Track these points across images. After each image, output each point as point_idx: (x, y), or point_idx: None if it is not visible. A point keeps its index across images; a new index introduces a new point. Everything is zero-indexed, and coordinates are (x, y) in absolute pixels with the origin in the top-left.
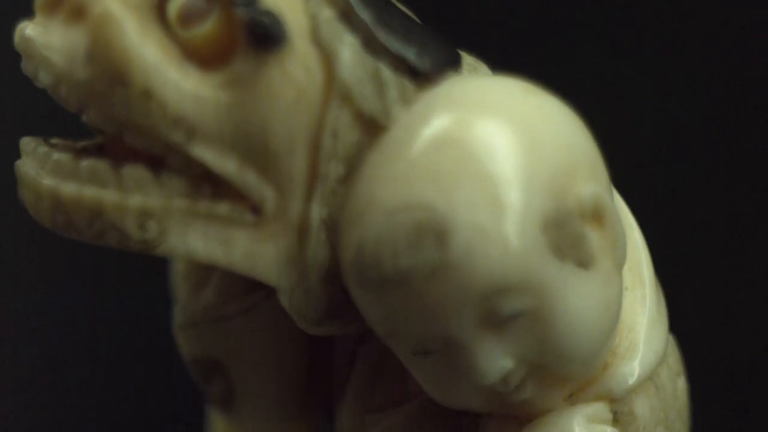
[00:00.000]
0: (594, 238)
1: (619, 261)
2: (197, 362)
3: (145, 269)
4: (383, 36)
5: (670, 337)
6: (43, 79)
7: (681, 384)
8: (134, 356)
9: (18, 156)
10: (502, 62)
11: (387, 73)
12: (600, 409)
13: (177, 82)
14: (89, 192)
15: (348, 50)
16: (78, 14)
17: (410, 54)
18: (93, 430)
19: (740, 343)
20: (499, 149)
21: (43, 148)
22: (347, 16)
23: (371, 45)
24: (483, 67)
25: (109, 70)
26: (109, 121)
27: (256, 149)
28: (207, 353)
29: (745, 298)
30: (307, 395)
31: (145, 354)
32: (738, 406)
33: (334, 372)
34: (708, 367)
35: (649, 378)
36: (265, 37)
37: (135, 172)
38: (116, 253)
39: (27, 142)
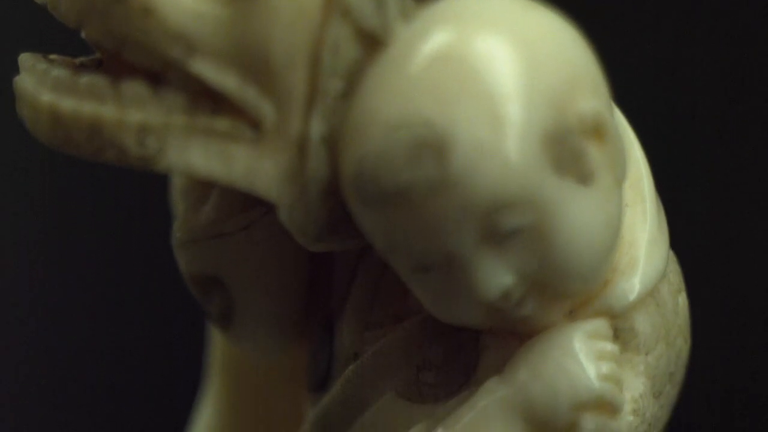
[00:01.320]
0: (594, 154)
1: (620, 177)
2: (196, 279)
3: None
4: None
5: (671, 254)
6: None
7: (682, 300)
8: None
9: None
10: None
11: None
12: (600, 325)
13: None
14: (88, 108)
15: None
16: None
17: None
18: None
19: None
20: (499, 65)
21: (41, 65)
22: None
23: None
24: None
25: None
26: (108, 37)
27: (255, 65)
28: (206, 270)
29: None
30: (307, 312)
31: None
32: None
33: (333, 289)
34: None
35: (650, 294)
36: None
37: (134, 87)
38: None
39: (26, 59)
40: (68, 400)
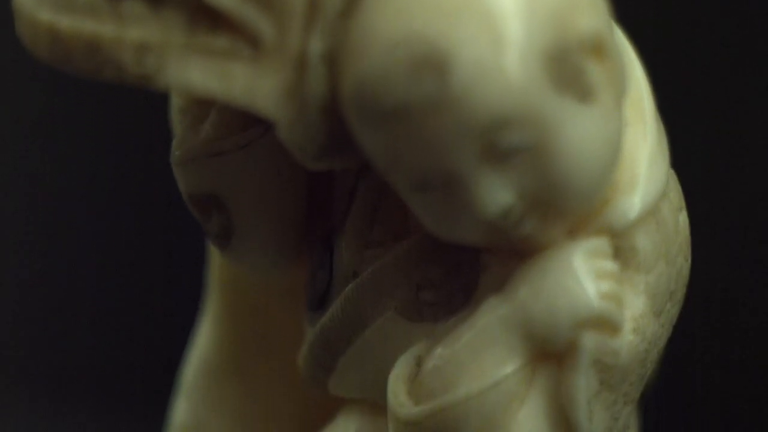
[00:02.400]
0: (594, 72)
1: (620, 96)
2: (195, 198)
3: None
4: None
5: (671, 173)
6: None
7: (682, 219)
8: None
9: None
10: None
11: None
12: (600, 244)
13: None
14: (87, 26)
15: None
16: None
17: None
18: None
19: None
20: None
21: None
22: None
23: None
24: None
25: None
26: None
27: None
28: (205, 188)
29: None
30: (306, 230)
31: None
32: None
33: (333, 208)
34: None
35: (650, 213)
36: None
37: (133, 6)
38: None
39: None
40: (68, 311)
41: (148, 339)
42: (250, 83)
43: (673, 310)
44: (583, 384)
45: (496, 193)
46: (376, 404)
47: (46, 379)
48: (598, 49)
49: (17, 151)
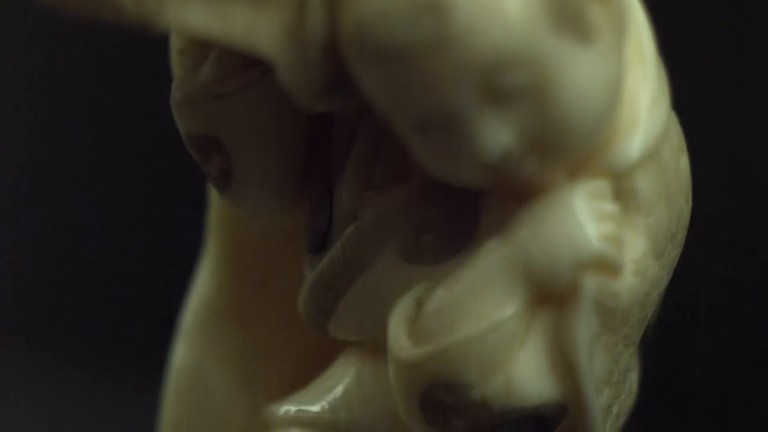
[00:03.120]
0: (594, 13)
1: (620, 37)
2: (194, 140)
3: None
4: None
5: (672, 114)
6: None
7: (683, 161)
8: None
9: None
10: None
11: None
12: (601, 185)
13: None
14: None
15: None
16: None
17: None
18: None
19: None
20: None
21: None
22: None
23: None
24: None
25: None
26: None
27: None
28: (204, 131)
29: None
30: (306, 173)
31: None
32: None
33: (333, 150)
34: None
35: (651, 154)
36: None
37: None
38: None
39: None
40: (67, 255)
41: (148, 283)
42: (250, 24)
43: (673, 253)
44: (584, 326)
45: (496, 135)
46: (376, 346)
47: (44, 320)
48: None
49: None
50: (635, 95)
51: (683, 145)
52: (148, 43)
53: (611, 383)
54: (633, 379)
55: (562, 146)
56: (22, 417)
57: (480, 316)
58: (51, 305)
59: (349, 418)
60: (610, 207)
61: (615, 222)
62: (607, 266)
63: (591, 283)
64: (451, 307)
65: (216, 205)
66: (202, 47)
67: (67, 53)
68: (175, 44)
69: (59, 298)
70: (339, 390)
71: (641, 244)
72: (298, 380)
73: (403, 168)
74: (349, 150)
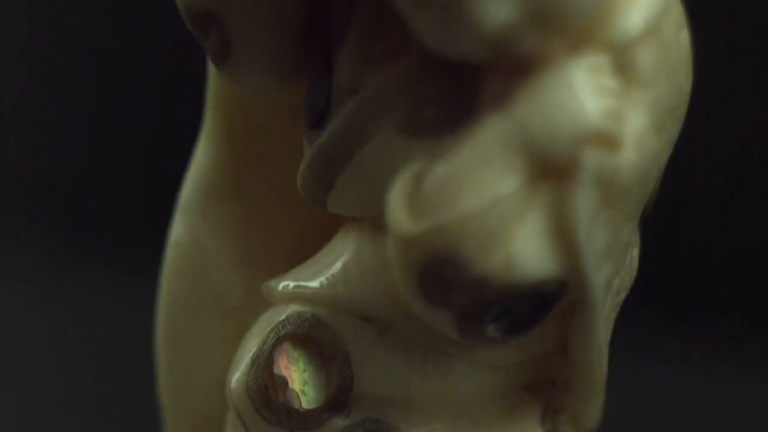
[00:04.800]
0: None
1: None
2: (193, 14)
3: None
4: None
5: None
6: None
7: (684, 35)
8: None
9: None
10: None
11: None
12: (601, 60)
13: None
14: None
15: None
16: None
17: None
18: None
19: None
20: None
21: None
22: None
23: None
24: None
25: None
26: None
27: None
28: (203, 5)
29: None
30: (305, 48)
31: None
32: None
33: (332, 25)
34: None
35: (651, 28)
36: None
37: None
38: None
39: None
40: (66, 123)
41: (147, 159)
42: None
43: (674, 128)
44: (584, 201)
45: (496, 8)
46: (375, 222)
47: (42, 200)
48: None
49: None
50: None
51: (684, 19)
52: None
53: (611, 259)
54: (633, 255)
55: (562, 20)
56: (21, 296)
57: (480, 192)
58: (49, 184)
59: (348, 293)
60: (609, 82)
61: (615, 97)
62: (607, 141)
63: (591, 158)
64: (451, 183)
65: (214, 80)
66: None
67: None
68: None
69: (57, 177)
70: (338, 266)
71: (641, 119)
72: (297, 257)
73: (402, 42)
74: (349, 25)
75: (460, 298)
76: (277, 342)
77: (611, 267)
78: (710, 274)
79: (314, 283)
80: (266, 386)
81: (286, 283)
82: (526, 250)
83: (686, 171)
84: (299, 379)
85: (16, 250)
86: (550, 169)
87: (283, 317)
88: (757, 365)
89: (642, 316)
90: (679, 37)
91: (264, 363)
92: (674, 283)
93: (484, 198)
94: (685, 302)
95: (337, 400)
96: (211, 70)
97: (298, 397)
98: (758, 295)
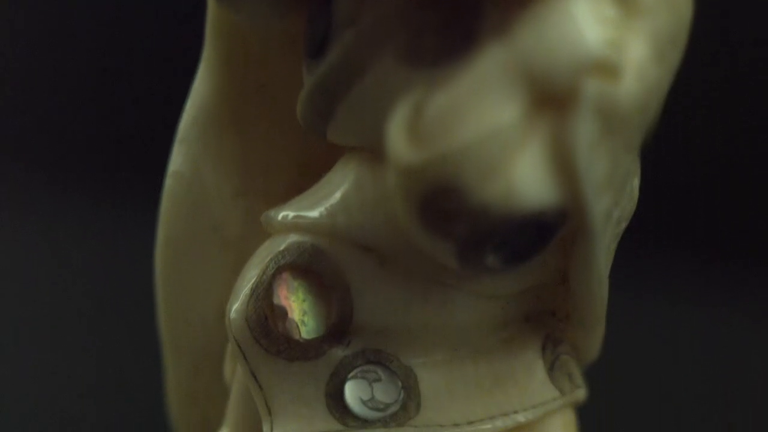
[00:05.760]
0: None
1: None
2: None
3: None
4: None
5: None
6: None
7: None
8: None
9: None
10: None
11: None
12: None
13: None
14: None
15: None
16: None
17: None
18: None
19: None
20: None
21: None
22: None
23: None
24: None
25: None
26: None
27: None
28: None
29: None
30: None
31: None
32: None
33: None
34: None
35: None
36: None
37: None
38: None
39: None
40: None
41: (147, 91)
42: None
43: (675, 57)
44: (584, 130)
45: None
46: (375, 152)
47: (42, 131)
48: None
49: None
50: None
51: None
52: None
53: (611, 188)
54: (634, 185)
55: None
56: (21, 227)
57: (480, 121)
58: (48, 116)
59: (347, 223)
60: (610, 11)
61: (615, 26)
62: (607, 70)
63: (591, 87)
64: (451, 112)
65: (214, 11)
66: None
67: None
68: None
69: (56, 107)
70: (337, 195)
71: (642, 49)
72: (297, 188)
73: None
74: None
75: (460, 227)
76: (277, 272)
77: (611, 196)
78: (711, 208)
79: (314, 213)
80: (266, 316)
81: (286, 213)
82: (526, 179)
83: (688, 103)
84: (299, 309)
85: (12, 180)
86: (551, 98)
87: (282, 247)
88: (758, 300)
89: (646, 251)
90: None
91: (263, 293)
92: (677, 217)
93: (484, 127)
94: (688, 237)
95: (337, 331)
96: (211, 0)
97: (298, 327)
98: (759, 231)
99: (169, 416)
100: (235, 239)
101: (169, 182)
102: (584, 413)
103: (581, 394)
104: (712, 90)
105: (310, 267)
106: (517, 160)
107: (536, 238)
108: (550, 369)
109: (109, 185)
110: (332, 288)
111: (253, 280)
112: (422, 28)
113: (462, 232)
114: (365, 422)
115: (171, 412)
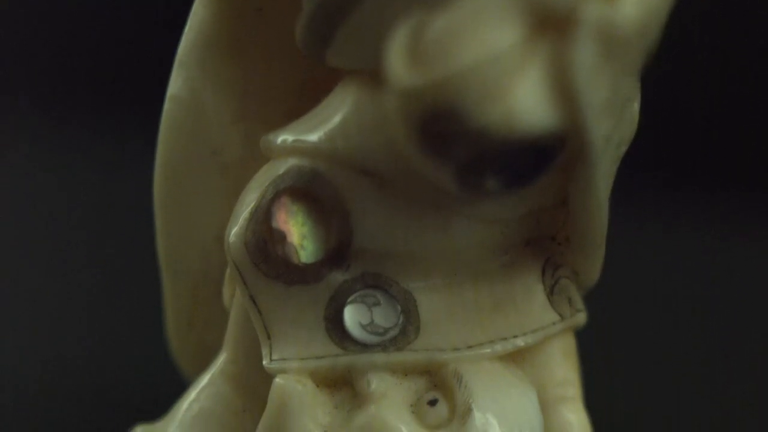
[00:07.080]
0: None
1: None
2: None
3: None
4: None
5: None
6: None
7: None
8: None
9: None
10: None
11: None
12: None
13: None
14: None
15: None
16: None
17: None
18: None
19: None
20: None
21: None
22: None
23: None
24: None
25: None
26: None
27: None
28: None
29: None
30: None
31: None
32: None
33: None
34: None
35: None
36: None
37: None
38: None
39: None
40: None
41: (146, 10)
42: None
43: None
44: (583, 55)
45: None
46: (375, 75)
47: (40, 45)
48: None
49: None
50: None
51: None
52: None
53: (611, 112)
54: (634, 109)
55: None
56: (17, 154)
57: (479, 45)
58: (48, 55)
59: (346, 146)
60: None
61: None
62: None
63: (590, 11)
64: (451, 35)
65: None
66: None
67: None
68: None
69: (54, 33)
70: (337, 119)
71: None
72: (296, 112)
73: None
74: None
75: (459, 150)
76: (276, 196)
77: (611, 120)
78: (712, 136)
79: (313, 137)
80: (265, 240)
81: (285, 137)
82: (526, 103)
83: (689, 27)
84: (298, 233)
85: (11, 107)
86: (551, 21)
87: (281, 171)
88: (756, 225)
89: (646, 175)
90: None
91: (263, 217)
92: (676, 143)
93: (484, 50)
94: (689, 161)
95: (336, 255)
96: None
97: (297, 250)
98: (757, 158)
99: (167, 341)
100: (235, 163)
101: (168, 106)
102: (583, 337)
103: (581, 318)
104: (713, 12)
105: (309, 191)
106: (517, 83)
107: (536, 161)
108: (550, 293)
109: (108, 110)
110: (331, 212)
111: (252, 204)
112: None
113: (461, 155)
114: (364, 346)
115: (169, 337)
